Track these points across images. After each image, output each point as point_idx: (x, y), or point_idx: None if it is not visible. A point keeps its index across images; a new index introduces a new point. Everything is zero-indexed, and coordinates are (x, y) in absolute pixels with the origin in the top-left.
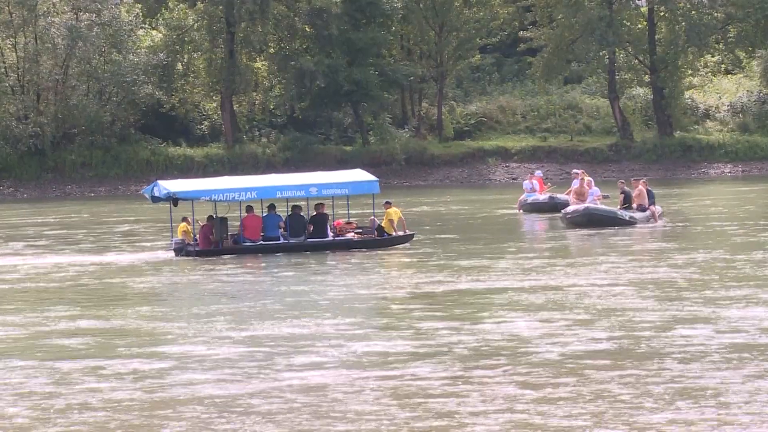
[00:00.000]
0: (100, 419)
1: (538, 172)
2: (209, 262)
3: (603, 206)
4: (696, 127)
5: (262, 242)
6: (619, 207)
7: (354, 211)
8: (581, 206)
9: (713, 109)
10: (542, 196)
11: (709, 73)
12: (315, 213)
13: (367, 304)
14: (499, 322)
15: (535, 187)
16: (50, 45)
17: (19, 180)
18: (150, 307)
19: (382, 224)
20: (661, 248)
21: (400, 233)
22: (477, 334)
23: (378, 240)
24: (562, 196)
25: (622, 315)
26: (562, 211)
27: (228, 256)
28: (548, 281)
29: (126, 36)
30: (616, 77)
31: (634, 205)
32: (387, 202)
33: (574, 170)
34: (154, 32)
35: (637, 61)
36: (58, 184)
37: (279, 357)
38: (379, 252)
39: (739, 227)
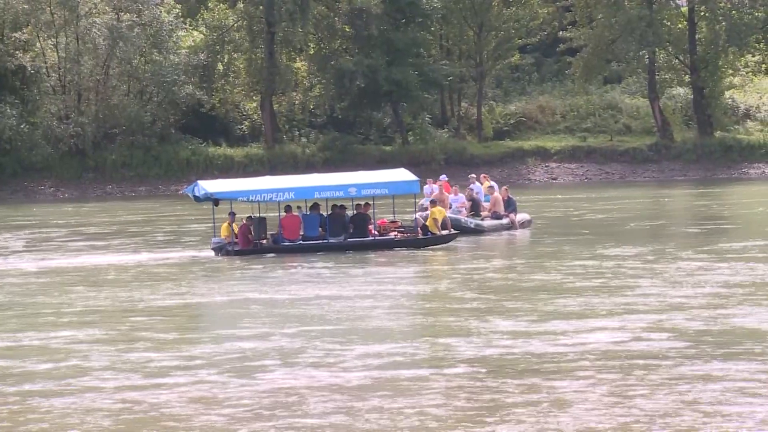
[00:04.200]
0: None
1: (443, 177)
2: (247, 260)
3: (449, 214)
4: (736, 127)
5: (301, 242)
6: (465, 214)
7: (402, 211)
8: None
9: (754, 109)
10: None
11: (750, 73)
12: (355, 212)
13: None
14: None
15: (435, 191)
16: (91, 45)
17: (60, 180)
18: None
19: (427, 223)
20: (459, 258)
21: (444, 232)
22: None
23: (419, 239)
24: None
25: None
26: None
27: (268, 255)
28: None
29: (166, 36)
30: (656, 77)
31: (485, 213)
32: (432, 201)
33: (471, 174)
34: (194, 32)
35: (677, 60)
36: (99, 184)
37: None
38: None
39: (605, 235)
